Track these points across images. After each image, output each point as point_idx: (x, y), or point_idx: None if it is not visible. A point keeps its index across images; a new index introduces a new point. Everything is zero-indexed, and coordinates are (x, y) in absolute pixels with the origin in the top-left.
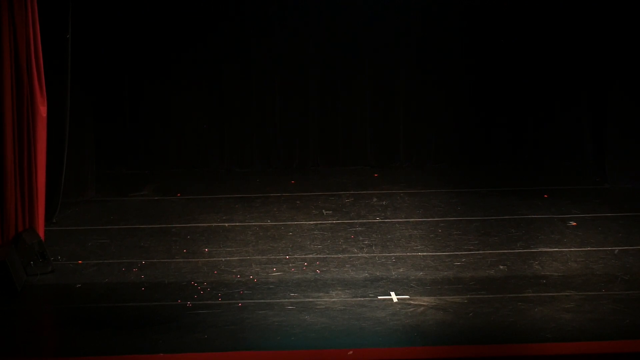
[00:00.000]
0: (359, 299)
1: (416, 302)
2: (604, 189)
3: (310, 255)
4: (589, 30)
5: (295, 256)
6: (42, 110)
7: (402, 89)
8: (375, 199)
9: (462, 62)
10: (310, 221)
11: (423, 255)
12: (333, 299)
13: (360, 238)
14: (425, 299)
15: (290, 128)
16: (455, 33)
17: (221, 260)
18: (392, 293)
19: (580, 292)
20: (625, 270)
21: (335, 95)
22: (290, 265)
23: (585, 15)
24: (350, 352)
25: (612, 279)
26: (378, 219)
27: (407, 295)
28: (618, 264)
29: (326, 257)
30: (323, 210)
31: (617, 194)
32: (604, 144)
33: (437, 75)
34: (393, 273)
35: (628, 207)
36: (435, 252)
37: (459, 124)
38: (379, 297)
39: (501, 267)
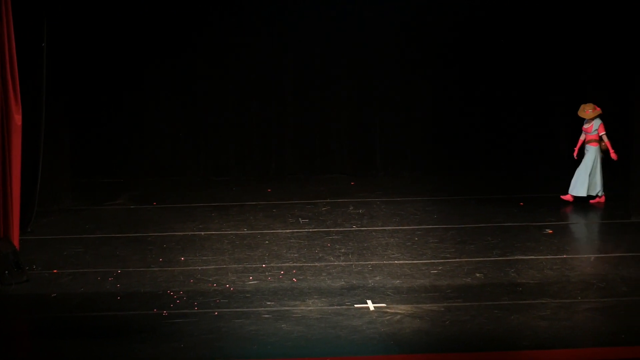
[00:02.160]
0: (336, 307)
1: (393, 311)
2: (580, 198)
3: (287, 264)
4: (569, 40)
5: (272, 265)
6: (17, 118)
7: (379, 99)
8: (351, 207)
9: (439, 73)
10: (287, 229)
11: (400, 264)
12: (309, 308)
13: (337, 246)
14: (402, 307)
15: (266, 136)
16: (433, 45)
17: (197, 269)
18: (369, 301)
19: (556, 299)
20: (600, 277)
21: (312, 104)
22: (267, 273)
23: (558, 29)
24: None
25: (588, 286)
26: (354, 227)
27: (383, 303)
28: (594, 271)
29: (303, 266)
30: (299, 219)
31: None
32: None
33: (414, 85)
34: (370, 281)
35: (603, 215)
36: (412, 260)
37: (435, 132)
38: (356, 306)
39: (478, 274)
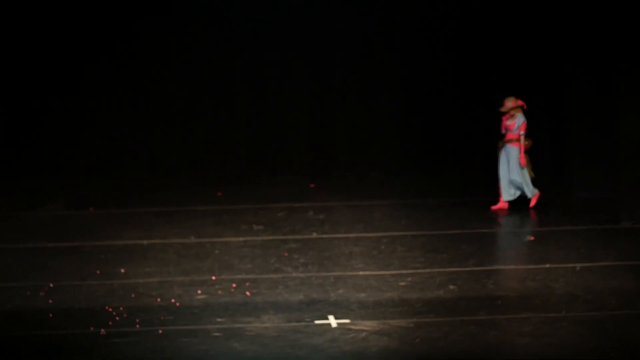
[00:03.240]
0: (294, 324)
1: (357, 327)
2: (564, 200)
3: (239, 276)
4: (548, 36)
5: (222, 277)
6: None
7: (343, 94)
8: (311, 212)
9: (410, 66)
10: (239, 237)
11: (365, 275)
12: (265, 324)
13: (295, 256)
14: (368, 323)
15: (216, 135)
16: (404, 37)
17: (139, 282)
18: (331, 317)
19: (539, 313)
20: (587, 289)
21: (267, 99)
22: (217, 287)
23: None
24: None
25: (574, 298)
26: (315, 235)
27: (347, 319)
28: (580, 282)
29: (257, 278)
30: (253, 225)
31: (578, 205)
32: (562, 151)
33: (381, 79)
34: (331, 295)
35: (590, 220)
36: (378, 271)
37: (404, 129)
38: (316, 322)
39: (451, 287)
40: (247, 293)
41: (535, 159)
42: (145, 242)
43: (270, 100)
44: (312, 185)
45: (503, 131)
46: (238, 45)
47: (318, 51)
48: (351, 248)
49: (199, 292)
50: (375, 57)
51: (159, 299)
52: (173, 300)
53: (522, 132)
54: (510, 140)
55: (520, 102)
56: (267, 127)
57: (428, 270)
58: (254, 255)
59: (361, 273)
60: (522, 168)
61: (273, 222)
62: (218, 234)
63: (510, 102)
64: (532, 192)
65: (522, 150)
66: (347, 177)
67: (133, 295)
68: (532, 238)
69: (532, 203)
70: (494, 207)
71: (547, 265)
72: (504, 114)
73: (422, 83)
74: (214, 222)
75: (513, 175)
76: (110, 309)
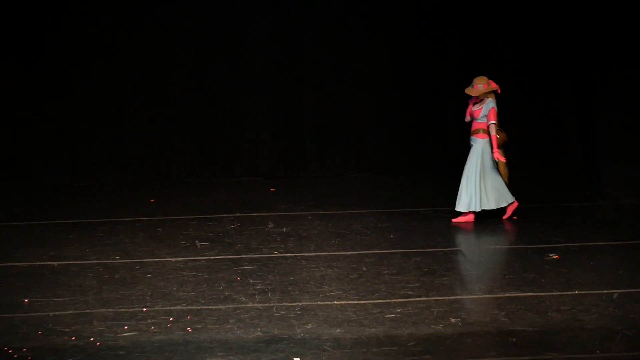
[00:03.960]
0: None
1: None
2: (595, 208)
3: (178, 307)
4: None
5: (157, 308)
6: None
7: (312, 74)
8: (271, 224)
9: (399, 52)
10: (178, 257)
11: (341, 305)
12: None
13: (251, 281)
14: None
15: (148, 127)
16: (387, 24)
17: (48, 315)
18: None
19: (566, 354)
20: (627, 322)
21: (219, 84)
22: (150, 321)
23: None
24: None
25: (610, 334)
26: (276, 253)
27: None
28: (618, 313)
29: (201, 309)
30: (197, 241)
31: (614, 213)
32: (592, 148)
33: (359, 63)
34: (298, 331)
35: (630, 233)
36: (359, 299)
37: (390, 124)
38: None
39: (453, 320)
40: (189, 329)
41: (558, 155)
42: (56, 263)
43: (221, 82)
44: (272, 190)
45: (468, 118)
46: (180, 25)
47: (281, 29)
48: (323, 270)
49: (126, 327)
50: (351, 39)
51: (73, 337)
52: (92, 339)
53: (492, 122)
54: (476, 132)
55: (493, 85)
56: (216, 117)
57: (423, 298)
58: (198, 280)
59: (336, 302)
60: (495, 169)
61: (222, 237)
62: (151, 253)
63: (481, 84)
64: (506, 200)
65: (496, 142)
66: (318, 179)
67: (40, 333)
68: (555, 257)
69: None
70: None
71: (576, 292)
72: (471, 97)
73: (415, 68)
74: (146, 237)
75: (482, 178)
76: (10, 350)
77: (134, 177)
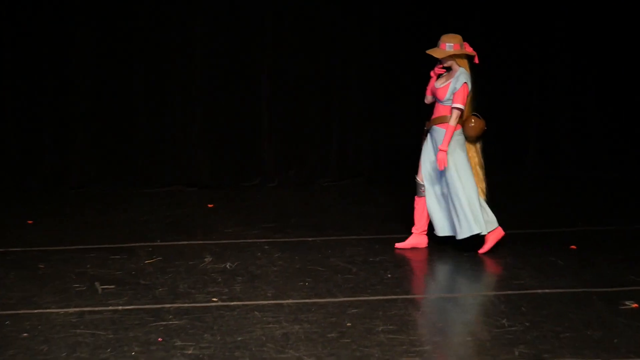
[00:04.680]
0: None
1: None
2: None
3: None
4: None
5: None
6: None
7: (265, 53)
8: (209, 258)
9: (372, 39)
10: (69, 307)
11: None
12: None
13: (178, 342)
14: None
15: (35, 123)
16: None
17: None
18: None
19: None
20: None
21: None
22: None
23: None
24: None
25: None
26: (216, 301)
27: None
28: None
29: None
30: (97, 283)
31: None
32: None
33: (328, 51)
34: None
35: None
36: None
37: (371, 121)
38: None
39: None
40: None
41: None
42: None
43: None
44: (210, 205)
45: (429, 99)
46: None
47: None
48: (287, 326)
49: None
50: (316, 22)
51: None
52: None
53: (457, 106)
54: (441, 120)
55: (469, 49)
56: (131, 107)
57: None
58: (99, 342)
59: None
60: (466, 173)
61: (136, 277)
62: (29, 301)
63: (451, 44)
64: (485, 226)
65: (448, 138)
66: (279, 190)
67: None
68: (634, 305)
69: (486, 246)
70: (400, 245)
71: None
72: (435, 66)
73: (403, 60)
74: (21, 278)
75: (450, 185)
76: None
77: (7, 186)
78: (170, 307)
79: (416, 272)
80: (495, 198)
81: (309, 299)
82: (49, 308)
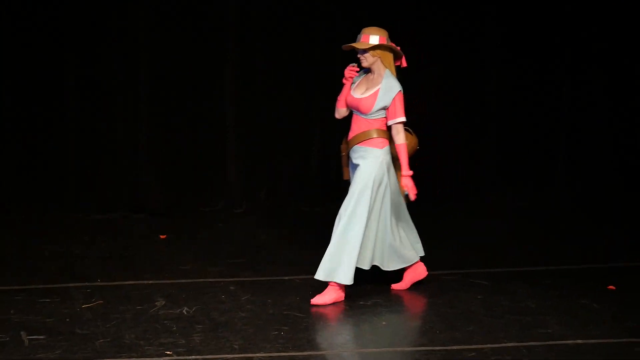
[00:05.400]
0: None
1: None
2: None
3: None
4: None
5: None
6: None
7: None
8: (161, 301)
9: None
10: None
11: None
12: None
13: None
14: None
15: None
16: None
17: None
18: None
19: None
20: None
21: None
22: None
23: None
24: None
25: None
26: (170, 355)
27: None
28: None
29: None
30: (23, 333)
31: None
32: None
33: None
34: None
35: None
36: None
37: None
38: None
39: None
40: None
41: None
42: None
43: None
44: (163, 237)
45: (342, 111)
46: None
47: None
48: None
49: None
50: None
51: None
52: None
53: (400, 120)
54: (366, 136)
55: (393, 45)
56: (64, 116)
57: None
58: None
59: None
60: (404, 201)
61: (71, 325)
62: None
63: (376, 36)
64: (409, 257)
65: (406, 161)
66: (246, 216)
67: None
68: None
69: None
70: (396, 286)
71: None
72: (347, 67)
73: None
74: None
75: (380, 215)
76: None
77: None
78: None
79: (415, 319)
80: (513, 226)
81: (285, 351)
82: None
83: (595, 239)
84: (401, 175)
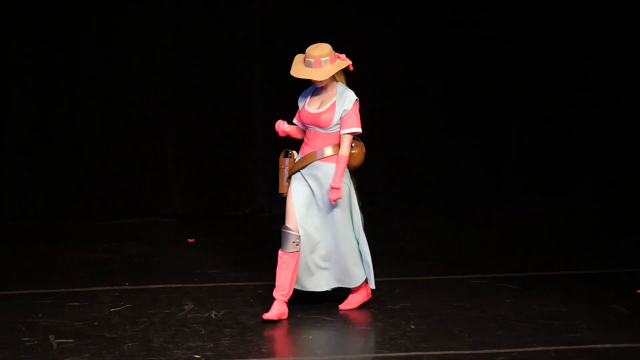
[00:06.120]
0: None
1: None
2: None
3: None
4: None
5: None
6: None
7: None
8: (189, 305)
9: None
10: None
11: None
12: None
13: None
14: None
15: None
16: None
17: None
18: None
19: None
20: None
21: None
22: None
23: None
24: None
25: None
26: (198, 359)
27: None
28: None
29: None
30: (51, 337)
31: None
32: None
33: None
34: None
35: None
36: None
37: (394, 125)
38: None
39: None
40: None
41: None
42: None
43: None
44: (191, 240)
45: (295, 131)
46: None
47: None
48: None
49: None
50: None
51: None
52: None
53: (355, 130)
54: (331, 152)
55: (343, 58)
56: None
57: None
58: None
59: None
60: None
61: (99, 329)
62: None
63: (326, 57)
64: (359, 275)
65: (342, 172)
66: (271, 222)
67: None
68: None
69: (353, 302)
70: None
71: None
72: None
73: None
74: None
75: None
76: None
77: None
78: None
79: (444, 323)
80: (542, 230)
81: (314, 355)
82: None
83: (626, 243)
84: (331, 187)
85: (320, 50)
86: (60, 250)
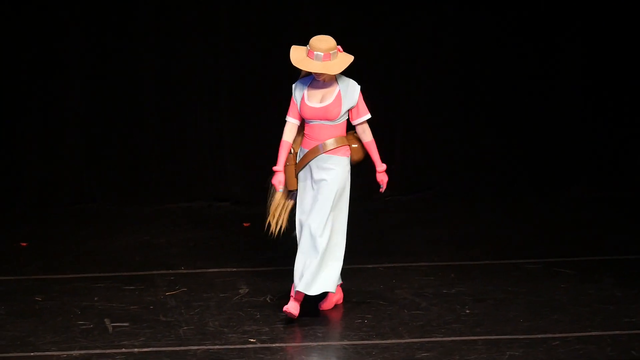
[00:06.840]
0: None
1: None
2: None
3: None
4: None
5: None
6: None
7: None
8: (244, 289)
9: None
10: (72, 349)
11: None
12: None
13: None
14: None
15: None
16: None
17: None
18: None
19: None
20: None
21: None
22: None
23: None
24: None
25: None
26: (254, 342)
27: None
28: None
29: None
30: (107, 320)
31: None
32: None
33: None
34: None
35: None
36: None
37: (451, 109)
38: None
39: None
40: None
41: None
42: None
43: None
44: (247, 225)
45: (296, 124)
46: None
47: None
48: None
49: None
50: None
51: None
52: None
53: (368, 117)
54: (337, 144)
55: (339, 49)
56: (145, 109)
57: None
58: None
59: None
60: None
61: (155, 312)
62: (23, 341)
63: (334, 50)
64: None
65: (377, 153)
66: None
67: None
68: None
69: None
70: (325, 306)
71: None
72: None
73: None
74: (12, 313)
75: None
76: None
77: None
78: (197, 350)
79: (499, 308)
80: (596, 215)
81: (369, 339)
82: (48, 351)
83: None
84: (377, 172)
85: (327, 43)
86: (116, 234)
